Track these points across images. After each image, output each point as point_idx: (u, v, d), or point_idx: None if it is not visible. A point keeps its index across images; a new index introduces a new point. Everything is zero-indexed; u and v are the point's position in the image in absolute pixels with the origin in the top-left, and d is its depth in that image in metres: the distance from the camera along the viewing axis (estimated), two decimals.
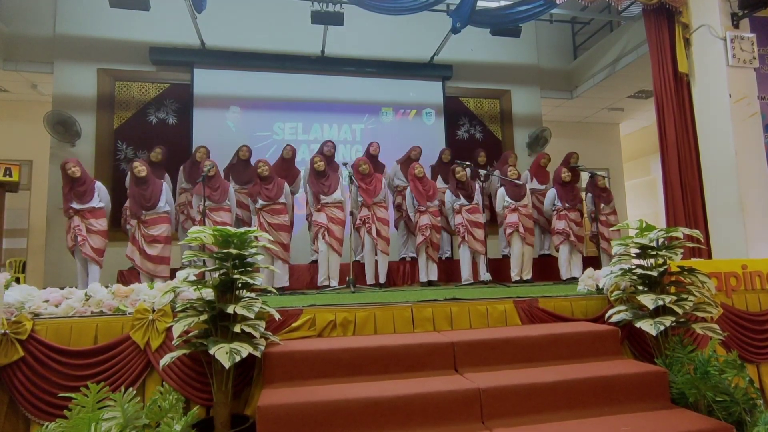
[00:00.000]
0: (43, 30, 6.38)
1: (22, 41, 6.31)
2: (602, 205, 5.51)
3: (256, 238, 2.51)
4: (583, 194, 5.59)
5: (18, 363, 2.34)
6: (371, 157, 5.58)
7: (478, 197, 5.18)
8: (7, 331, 2.34)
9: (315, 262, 5.32)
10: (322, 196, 4.86)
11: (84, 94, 6.35)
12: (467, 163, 5.18)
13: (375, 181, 5.04)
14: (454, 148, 6.81)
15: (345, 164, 5.03)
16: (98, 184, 4.66)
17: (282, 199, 4.85)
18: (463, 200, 5.14)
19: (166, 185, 4.81)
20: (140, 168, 4.58)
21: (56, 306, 2.60)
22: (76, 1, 6.42)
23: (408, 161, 5.81)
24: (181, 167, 5.63)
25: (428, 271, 5.15)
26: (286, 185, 5.01)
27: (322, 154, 5.34)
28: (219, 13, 6.58)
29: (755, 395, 2.37)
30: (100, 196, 4.61)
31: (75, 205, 4.50)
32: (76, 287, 3.02)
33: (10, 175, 4.36)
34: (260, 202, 4.82)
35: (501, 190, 5.35)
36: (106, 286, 2.75)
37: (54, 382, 2.35)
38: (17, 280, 2.86)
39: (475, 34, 6.81)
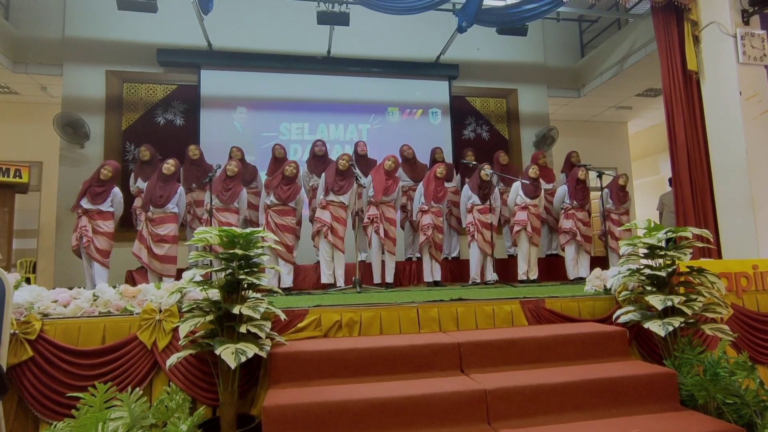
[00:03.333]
0: (52, 33, 6.44)
1: (31, 44, 6.39)
2: (618, 204, 5.48)
3: (262, 238, 2.51)
4: (599, 192, 5.56)
5: (27, 363, 2.37)
6: (359, 157, 5.59)
7: (493, 200, 5.19)
8: (17, 331, 2.37)
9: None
10: (332, 193, 4.86)
11: (93, 96, 6.41)
12: (492, 170, 5.19)
13: (392, 182, 5.05)
14: (460, 147, 6.79)
15: (358, 179, 4.92)
16: (116, 190, 4.76)
17: (292, 204, 4.91)
18: (476, 199, 5.14)
19: (181, 189, 4.89)
20: (169, 166, 4.74)
21: (65, 306, 2.62)
22: (84, 4, 6.48)
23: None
24: (181, 169, 5.61)
25: (432, 270, 5.14)
26: (303, 192, 5.09)
27: (353, 154, 5.58)
28: (225, 15, 6.61)
29: (766, 397, 2.33)
30: (113, 202, 4.71)
31: (84, 204, 4.56)
32: (85, 287, 3.05)
33: (20, 177, 4.44)
34: (271, 199, 4.84)
35: (517, 184, 5.34)
36: (114, 287, 2.77)
37: (62, 381, 2.37)
38: (27, 281, 2.90)
39: (482, 33, 6.78)
